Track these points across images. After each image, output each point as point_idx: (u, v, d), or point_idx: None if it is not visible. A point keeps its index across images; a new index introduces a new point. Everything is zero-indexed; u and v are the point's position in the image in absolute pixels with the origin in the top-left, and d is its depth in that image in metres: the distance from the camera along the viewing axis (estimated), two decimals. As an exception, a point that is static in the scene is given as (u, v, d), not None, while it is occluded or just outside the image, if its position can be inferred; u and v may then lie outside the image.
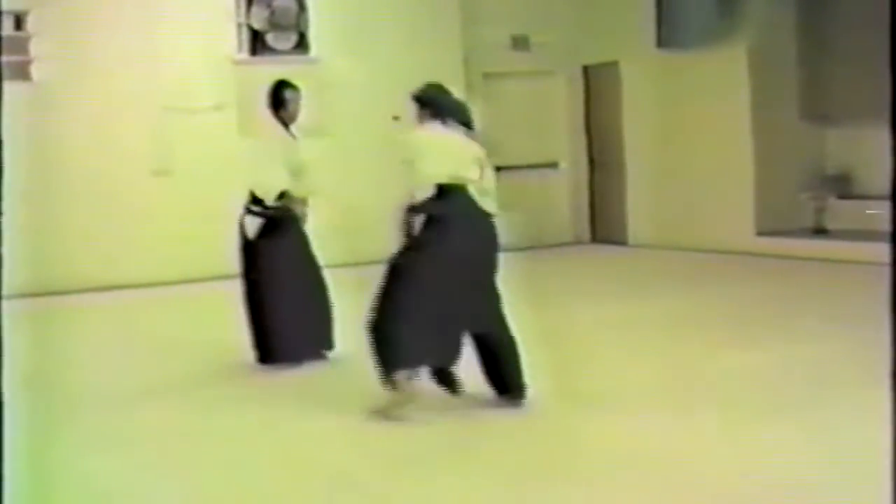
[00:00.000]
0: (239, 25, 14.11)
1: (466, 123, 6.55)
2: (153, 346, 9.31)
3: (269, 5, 14.13)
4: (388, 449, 5.67)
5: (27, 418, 6.69)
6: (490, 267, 6.23)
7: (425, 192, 6.24)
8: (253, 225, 7.69)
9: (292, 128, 7.89)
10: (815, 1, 13.20)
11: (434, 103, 6.47)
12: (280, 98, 7.81)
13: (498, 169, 15.67)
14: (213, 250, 13.26)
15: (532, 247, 15.64)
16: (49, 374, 8.18)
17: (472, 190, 6.31)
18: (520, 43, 15.90)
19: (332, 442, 5.88)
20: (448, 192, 6.21)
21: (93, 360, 8.89)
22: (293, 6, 14.27)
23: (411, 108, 6.62)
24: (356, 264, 13.76)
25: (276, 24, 14.20)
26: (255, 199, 7.74)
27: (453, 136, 6.44)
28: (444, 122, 6.45)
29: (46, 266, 12.79)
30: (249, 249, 7.80)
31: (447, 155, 6.32)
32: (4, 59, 12.71)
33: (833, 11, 12.91)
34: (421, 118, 6.51)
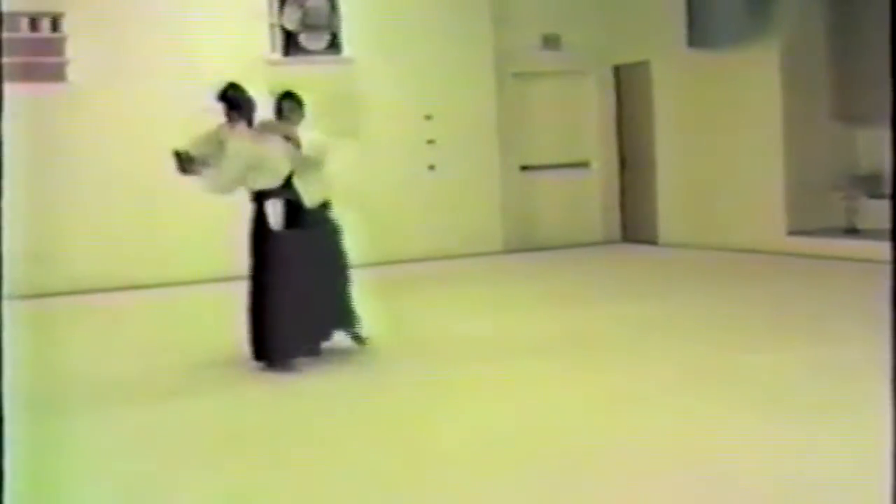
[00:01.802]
0: (271, 26, 14.23)
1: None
2: (182, 345, 9.41)
3: (301, 6, 14.24)
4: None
5: (45, 414, 6.81)
6: None
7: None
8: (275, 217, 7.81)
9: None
10: (847, 1, 13.18)
11: (242, 105, 7.77)
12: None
13: (529, 168, 15.82)
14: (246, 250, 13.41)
15: (563, 246, 15.71)
16: (80, 372, 8.36)
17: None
18: (550, 43, 15.93)
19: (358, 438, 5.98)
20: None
21: (122, 357, 9.02)
22: (325, 6, 14.36)
23: (218, 109, 7.83)
24: (387, 263, 13.90)
25: (308, 25, 14.30)
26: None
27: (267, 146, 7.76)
28: (249, 123, 7.80)
29: (82, 265, 12.98)
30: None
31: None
32: (36, 60, 12.91)
33: (864, 11, 12.87)
34: (232, 120, 7.77)
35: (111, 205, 13.35)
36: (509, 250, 15.41)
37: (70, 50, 13.33)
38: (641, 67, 15.60)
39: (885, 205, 12.45)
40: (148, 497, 5.12)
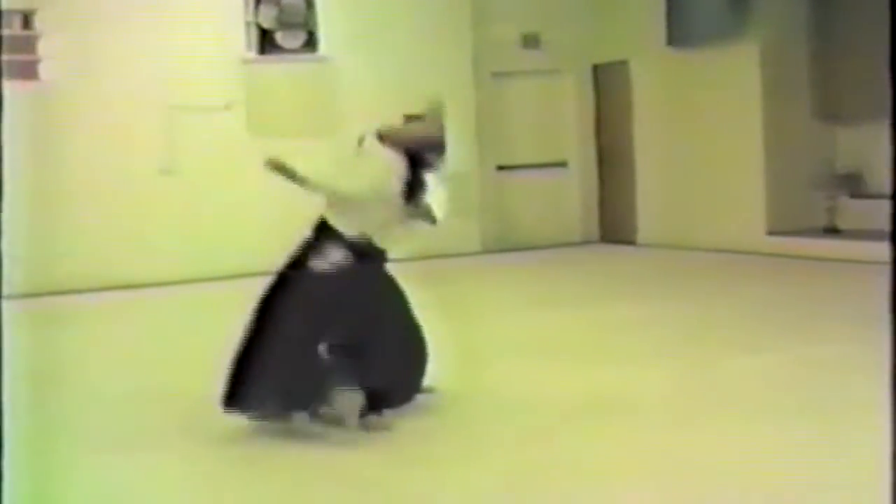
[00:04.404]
0: (247, 24, 14.07)
1: None
2: (156, 348, 9.31)
3: (277, 4, 14.07)
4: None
5: (29, 419, 6.67)
6: None
7: None
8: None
9: None
10: (827, -1, 13.15)
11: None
12: None
13: (507, 168, 15.63)
14: (220, 250, 13.32)
15: (541, 246, 15.62)
16: (55, 375, 8.19)
17: None
18: (529, 41, 15.83)
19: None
20: None
21: (97, 360, 8.86)
22: (301, 4, 14.19)
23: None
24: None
25: (284, 23, 14.13)
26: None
27: None
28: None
29: (53, 265, 12.82)
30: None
31: None
32: (7, 58, 12.72)
33: (846, 9, 12.81)
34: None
35: (84, 205, 13.16)
36: (487, 251, 15.29)
37: (42, 48, 13.16)
38: (620, 66, 15.51)
39: (866, 204, 12.41)
40: None
